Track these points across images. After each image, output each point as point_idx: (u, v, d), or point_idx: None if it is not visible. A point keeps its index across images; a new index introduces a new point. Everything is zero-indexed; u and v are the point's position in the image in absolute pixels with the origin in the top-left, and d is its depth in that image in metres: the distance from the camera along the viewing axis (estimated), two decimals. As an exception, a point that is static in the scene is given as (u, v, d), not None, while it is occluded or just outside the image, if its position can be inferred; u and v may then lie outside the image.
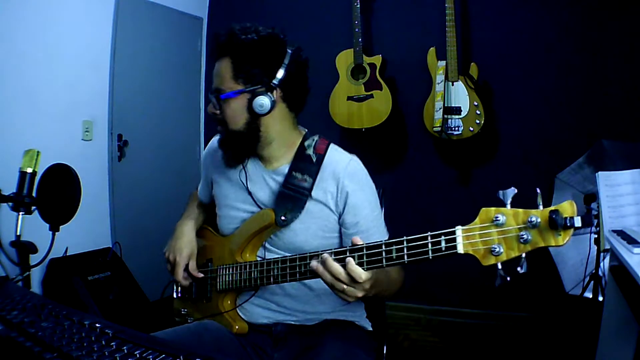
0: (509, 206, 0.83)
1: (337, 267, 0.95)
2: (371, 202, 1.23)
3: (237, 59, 1.15)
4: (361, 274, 0.93)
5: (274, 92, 1.16)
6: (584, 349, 2.00)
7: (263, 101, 1.15)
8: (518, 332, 2.81)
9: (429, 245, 0.89)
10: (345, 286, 0.95)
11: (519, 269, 0.81)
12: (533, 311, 2.85)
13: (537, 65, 2.88)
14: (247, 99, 1.15)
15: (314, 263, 0.99)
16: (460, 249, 0.86)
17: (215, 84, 1.18)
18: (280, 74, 1.15)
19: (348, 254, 0.98)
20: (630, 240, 1.50)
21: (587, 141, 2.52)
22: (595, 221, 2.03)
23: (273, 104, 1.16)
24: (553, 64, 2.85)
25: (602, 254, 2.13)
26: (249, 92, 1.15)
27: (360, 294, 0.97)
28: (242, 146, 1.21)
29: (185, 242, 1.32)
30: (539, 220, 0.79)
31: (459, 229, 0.87)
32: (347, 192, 1.19)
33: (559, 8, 2.82)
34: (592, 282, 2.20)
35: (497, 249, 0.82)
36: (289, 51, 1.17)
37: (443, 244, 0.88)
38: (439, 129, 2.74)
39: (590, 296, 2.21)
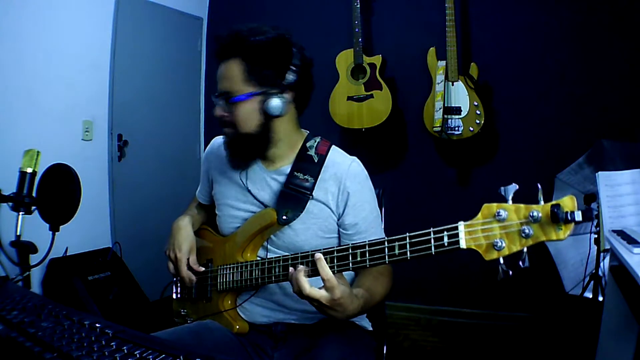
0: (510, 202, 0.84)
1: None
2: (370, 204, 1.24)
3: (248, 60, 1.13)
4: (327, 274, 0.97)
5: (287, 93, 1.17)
6: (584, 349, 2.00)
7: (277, 103, 1.15)
8: (518, 332, 2.81)
9: (432, 240, 0.89)
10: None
11: (520, 263, 0.82)
12: (533, 311, 2.85)
13: (537, 65, 2.88)
14: (260, 101, 1.15)
15: (291, 270, 1.01)
16: (463, 244, 0.86)
17: (224, 87, 1.16)
18: (291, 74, 1.16)
19: (351, 251, 0.99)
20: (630, 240, 1.50)
21: (587, 141, 2.52)
22: (595, 221, 2.03)
23: (286, 105, 1.16)
24: (553, 63, 2.85)
25: (602, 254, 2.13)
26: (262, 94, 1.15)
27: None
28: (253, 148, 1.20)
29: (183, 236, 1.31)
30: (540, 214, 0.80)
31: (461, 224, 0.88)
32: (348, 192, 1.19)
33: (558, 8, 2.82)
34: (592, 282, 2.20)
35: (499, 244, 0.83)
36: (295, 51, 1.17)
37: (446, 240, 0.88)
38: (439, 129, 2.74)
39: (590, 296, 2.21)
